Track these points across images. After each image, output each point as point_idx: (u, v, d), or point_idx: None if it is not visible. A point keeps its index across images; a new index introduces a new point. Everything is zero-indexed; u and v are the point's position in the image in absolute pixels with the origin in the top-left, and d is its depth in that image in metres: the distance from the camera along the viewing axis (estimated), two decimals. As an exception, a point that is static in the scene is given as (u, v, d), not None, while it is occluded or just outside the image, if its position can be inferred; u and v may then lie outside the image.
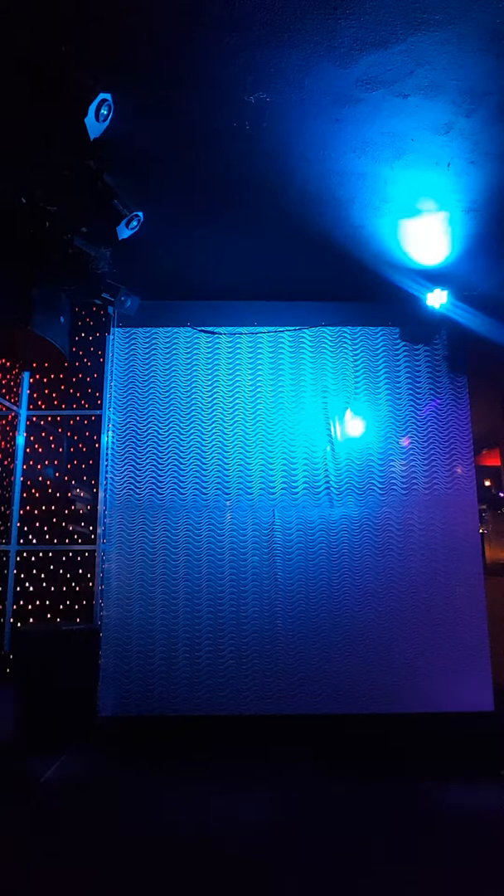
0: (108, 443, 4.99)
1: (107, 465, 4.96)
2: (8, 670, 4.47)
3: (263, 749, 4.26)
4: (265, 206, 3.84)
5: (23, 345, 4.63)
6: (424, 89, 2.86)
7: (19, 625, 4.64)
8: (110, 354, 5.13)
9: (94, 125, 2.91)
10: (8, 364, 4.92)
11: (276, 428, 5.03)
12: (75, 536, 4.86)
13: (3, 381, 4.86)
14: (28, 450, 4.99)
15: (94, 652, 4.53)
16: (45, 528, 4.87)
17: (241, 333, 5.17)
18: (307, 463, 4.98)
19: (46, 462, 4.98)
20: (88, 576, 4.78)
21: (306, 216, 3.93)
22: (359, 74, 2.77)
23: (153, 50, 2.66)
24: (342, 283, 4.88)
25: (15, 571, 4.76)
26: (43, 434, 5.02)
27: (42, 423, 5.04)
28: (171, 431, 5.02)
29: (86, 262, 4.02)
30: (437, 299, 4.55)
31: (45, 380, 5.09)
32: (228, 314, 5.19)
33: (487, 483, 9.20)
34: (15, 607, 4.70)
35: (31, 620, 4.67)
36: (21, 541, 4.83)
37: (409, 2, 2.41)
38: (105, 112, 2.90)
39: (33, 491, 4.92)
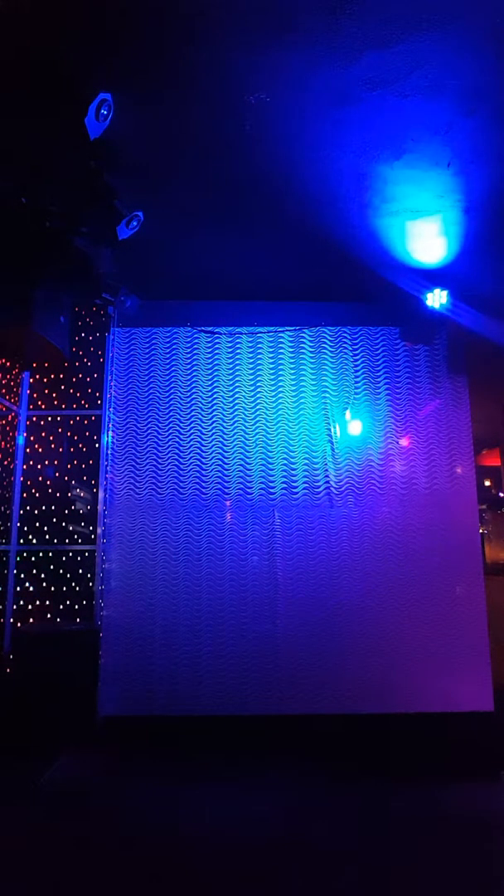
0: (108, 443, 4.99)
1: (107, 465, 4.96)
2: (8, 670, 4.47)
3: (263, 749, 4.26)
4: (265, 205, 3.84)
5: (23, 345, 4.63)
6: (424, 89, 2.85)
7: (19, 625, 4.64)
8: (110, 354, 5.13)
9: (94, 125, 2.91)
10: (8, 364, 4.91)
11: (276, 428, 5.03)
12: (75, 536, 4.86)
13: (3, 381, 4.85)
14: (28, 450, 4.99)
15: (94, 652, 4.53)
16: (45, 528, 4.86)
17: (241, 333, 5.17)
18: (307, 463, 4.98)
19: (46, 462, 4.98)
20: (88, 576, 4.78)
21: (306, 216, 3.93)
22: (359, 74, 2.77)
23: (153, 50, 2.66)
24: (342, 283, 4.88)
25: (15, 571, 4.76)
26: (43, 434, 5.02)
27: (42, 423, 5.04)
28: (171, 431, 5.02)
29: (86, 262, 4.02)
30: (436, 299, 4.55)
31: (45, 380, 5.09)
32: (228, 314, 5.19)
33: (487, 483, 9.20)
34: (15, 607, 4.70)
35: (31, 620, 4.67)
36: (21, 541, 4.83)
37: (410, 2, 2.41)
38: (105, 112, 2.90)
39: (33, 491, 4.92)
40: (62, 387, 5.09)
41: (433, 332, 4.95)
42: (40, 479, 4.95)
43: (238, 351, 5.15)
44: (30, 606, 4.71)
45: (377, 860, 2.87)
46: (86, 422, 5.04)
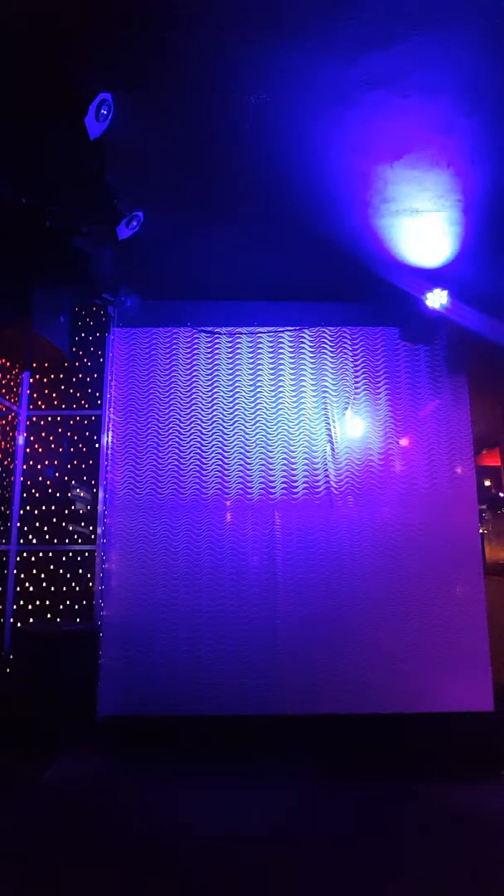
0: (108, 443, 4.99)
1: (107, 465, 4.96)
2: (8, 670, 4.47)
3: (263, 749, 4.26)
4: (265, 206, 3.84)
5: (23, 345, 4.63)
6: (425, 89, 2.85)
7: (19, 625, 4.64)
8: (110, 354, 5.13)
9: (94, 125, 2.91)
10: (8, 364, 4.91)
11: (276, 428, 5.02)
12: (75, 536, 4.86)
13: (3, 381, 4.85)
14: (28, 450, 4.99)
15: (94, 652, 4.53)
16: (45, 528, 4.86)
17: (241, 333, 5.17)
18: (307, 463, 4.98)
19: (46, 462, 4.98)
20: (88, 576, 4.78)
21: (306, 216, 3.93)
22: (359, 74, 2.77)
23: (153, 50, 2.66)
24: (342, 283, 4.87)
25: (15, 571, 4.76)
26: (43, 434, 5.02)
27: (42, 423, 5.04)
28: (170, 431, 5.02)
29: (86, 262, 4.02)
30: (436, 299, 4.55)
31: (45, 380, 5.09)
32: (228, 314, 5.19)
33: (487, 483, 9.19)
34: (15, 607, 4.70)
35: (31, 620, 4.67)
36: (21, 541, 4.83)
37: (411, 2, 2.41)
38: (105, 112, 2.91)
39: (33, 491, 4.92)
40: (62, 387, 5.09)
41: (433, 332, 4.95)
42: (40, 479, 4.95)
43: (238, 351, 5.15)
44: (30, 606, 4.71)
45: (378, 859, 2.87)
46: (86, 422, 5.04)
